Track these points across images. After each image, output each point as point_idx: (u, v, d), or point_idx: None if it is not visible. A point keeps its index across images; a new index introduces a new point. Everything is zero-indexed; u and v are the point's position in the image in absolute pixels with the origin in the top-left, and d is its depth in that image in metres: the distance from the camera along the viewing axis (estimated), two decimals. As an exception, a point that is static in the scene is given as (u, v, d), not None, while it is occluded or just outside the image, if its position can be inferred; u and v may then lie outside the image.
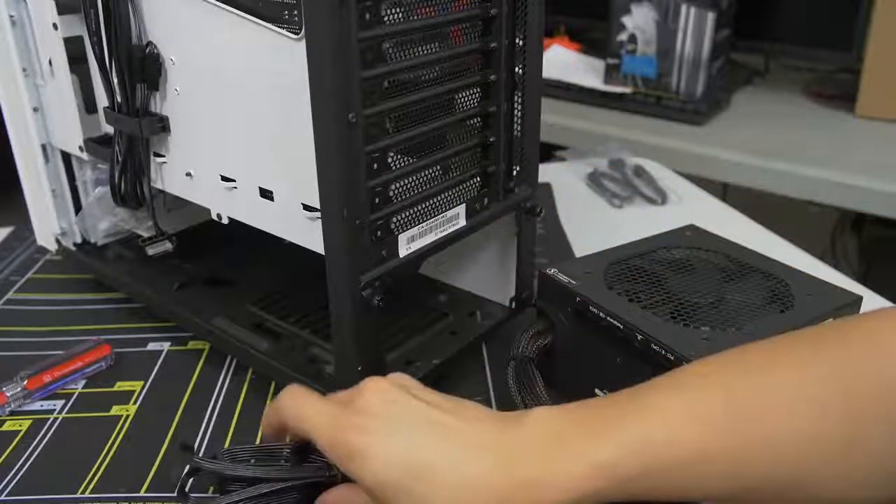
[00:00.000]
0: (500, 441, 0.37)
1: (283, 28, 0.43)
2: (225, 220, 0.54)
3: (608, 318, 0.49)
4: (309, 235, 0.47)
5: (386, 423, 0.38)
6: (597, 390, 0.52)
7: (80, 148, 0.62)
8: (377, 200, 0.46)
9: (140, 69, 0.53)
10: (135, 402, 0.57)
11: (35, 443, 0.53)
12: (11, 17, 0.61)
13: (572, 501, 0.35)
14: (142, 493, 0.48)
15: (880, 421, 0.35)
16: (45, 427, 0.55)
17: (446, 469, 0.36)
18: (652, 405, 0.37)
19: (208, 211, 0.55)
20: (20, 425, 0.55)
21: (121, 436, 0.54)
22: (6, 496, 0.48)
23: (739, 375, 0.37)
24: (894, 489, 0.36)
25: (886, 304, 0.68)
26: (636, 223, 0.53)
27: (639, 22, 1.31)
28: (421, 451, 0.37)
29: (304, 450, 0.45)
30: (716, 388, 0.37)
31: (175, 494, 0.46)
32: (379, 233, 0.46)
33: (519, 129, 0.54)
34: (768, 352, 0.39)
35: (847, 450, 0.35)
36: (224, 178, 0.52)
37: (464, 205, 0.52)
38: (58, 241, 0.71)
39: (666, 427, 0.35)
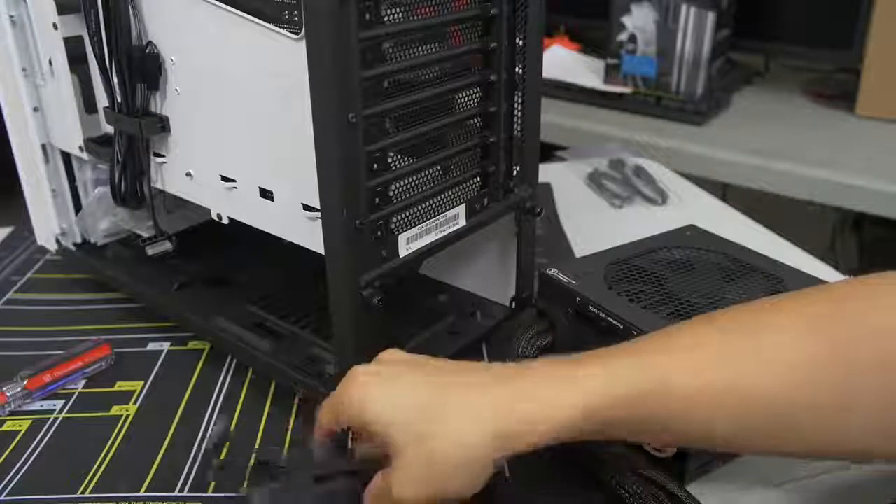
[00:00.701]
0: (502, 384, 0.40)
1: (283, 28, 0.43)
2: (225, 220, 0.54)
3: (608, 318, 0.49)
4: (309, 235, 0.47)
5: (394, 368, 0.41)
6: (597, 390, 0.52)
7: (80, 148, 0.62)
8: (377, 200, 0.46)
9: (140, 69, 0.53)
10: (135, 402, 0.57)
11: (35, 443, 0.53)
12: (11, 17, 0.61)
13: (559, 435, 0.38)
14: (141, 493, 0.48)
15: (874, 371, 0.36)
16: (45, 427, 0.55)
17: (452, 409, 0.38)
18: (645, 356, 0.39)
19: (208, 211, 0.55)
20: (20, 425, 0.55)
21: (121, 436, 0.53)
22: (6, 496, 0.48)
23: (734, 327, 0.40)
24: (890, 444, 0.37)
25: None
26: (636, 223, 0.53)
27: (639, 22, 1.31)
28: (429, 391, 0.39)
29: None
30: (710, 340, 0.40)
31: (180, 493, 0.46)
32: (379, 233, 0.46)
33: (519, 129, 0.54)
34: (762, 308, 0.41)
35: (841, 400, 0.37)
36: (224, 178, 0.52)
37: (464, 205, 0.52)
38: (58, 241, 0.71)
39: (657, 377, 0.38)
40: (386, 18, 0.43)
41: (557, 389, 0.38)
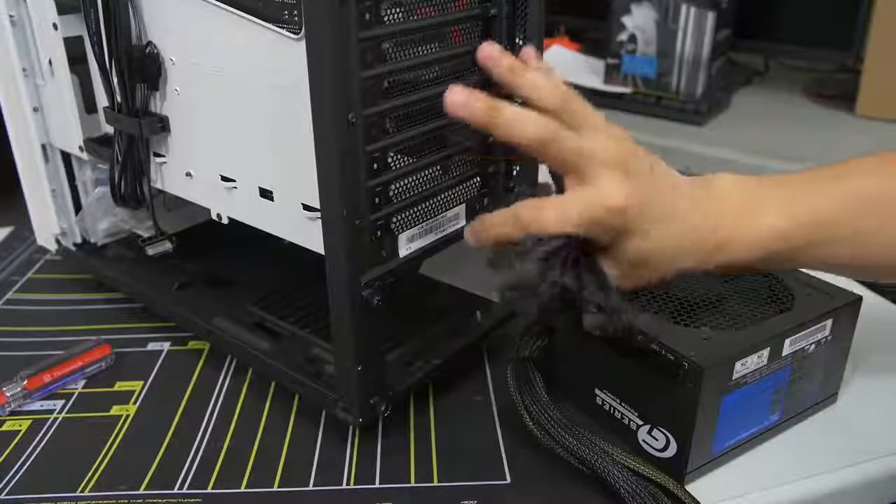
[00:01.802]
0: (710, 208, 0.46)
1: (283, 28, 0.43)
2: (225, 220, 0.54)
3: (608, 318, 0.49)
4: (309, 235, 0.47)
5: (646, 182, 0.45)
6: (597, 390, 0.52)
7: (80, 148, 0.62)
8: (377, 200, 0.46)
9: (140, 69, 0.53)
10: (135, 402, 0.57)
11: (35, 443, 0.53)
12: (11, 17, 0.61)
13: (752, 258, 0.46)
14: (141, 491, 0.48)
15: None
16: (45, 427, 0.55)
17: (681, 219, 0.45)
18: (820, 189, 0.48)
19: (208, 211, 0.55)
20: (20, 425, 0.55)
21: (121, 436, 0.54)
22: (6, 496, 0.48)
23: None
24: None
25: (886, 304, 0.68)
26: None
27: (639, 22, 1.31)
28: (668, 198, 0.45)
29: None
30: (875, 179, 0.48)
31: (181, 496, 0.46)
32: (379, 233, 0.46)
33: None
34: None
35: None
36: (224, 178, 0.52)
37: (464, 205, 0.52)
38: (58, 241, 0.71)
39: (831, 209, 0.46)
40: (386, 18, 0.43)
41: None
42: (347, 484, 0.49)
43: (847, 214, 0.47)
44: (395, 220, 0.47)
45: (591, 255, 0.45)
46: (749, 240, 0.46)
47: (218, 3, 0.46)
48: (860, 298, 0.52)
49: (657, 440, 0.48)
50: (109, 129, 0.58)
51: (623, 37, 1.34)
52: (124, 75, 0.53)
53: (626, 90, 1.36)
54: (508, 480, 0.49)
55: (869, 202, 0.47)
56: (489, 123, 0.42)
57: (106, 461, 0.51)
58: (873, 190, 0.48)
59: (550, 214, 0.43)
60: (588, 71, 1.44)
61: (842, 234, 0.47)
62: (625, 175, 0.43)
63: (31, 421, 0.55)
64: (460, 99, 0.42)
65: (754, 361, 0.46)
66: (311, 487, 0.49)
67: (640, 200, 0.43)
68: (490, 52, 0.44)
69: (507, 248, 0.45)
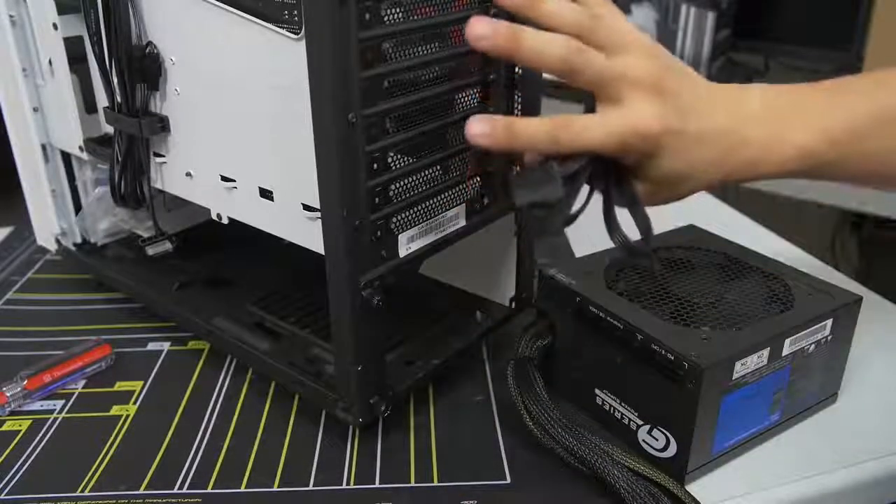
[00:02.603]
0: (742, 124, 0.47)
1: (283, 28, 0.43)
2: (225, 220, 0.54)
3: (608, 318, 0.49)
4: (309, 235, 0.47)
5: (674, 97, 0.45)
6: (597, 390, 0.52)
7: (80, 148, 0.62)
8: (377, 200, 0.46)
9: (140, 69, 0.53)
10: (135, 402, 0.57)
11: (35, 443, 0.53)
12: (11, 17, 0.61)
13: (779, 174, 0.47)
14: (141, 491, 0.48)
15: None
16: (45, 427, 0.55)
17: (714, 136, 0.45)
18: (849, 104, 0.48)
19: (208, 211, 0.55)
20: (20, 425, 0.55)
21: (121, 436, 0.54)
22: (6, 496, 0.48)
23: None
24: None
25: (886, 304, 0.68)
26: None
27: (639, 22, 1.31)
28: (704, 115, 0.45)
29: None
30: (890, 98, 0.48)
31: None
32: (379, 233, 0.46)
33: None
34: None
35: None
36: (224, 178, 0.52)
37: (464, 205, 0.52)
38: (58, 241, 0.71)
39: (861, 125, 0.47)
40: (386, 18, 0.43)
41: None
42: (347, 484, 0.49)
43: (878, 128, 0.47)
44: (394, 220, 0.47)
45: (620, 171, 0.46)
46: (777, 160, 0.47)
47: (218, 3, 0.46)
48: (860, 298, 0.52)
49: (657, 440, 0.48)
50: (109, 129, 0.58)
51: (623, 37, 1.34)
52: (124, 75, 0.53)
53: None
54: (508, 480, 0.49)
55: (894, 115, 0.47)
56: (512, 51, 0.41)
57: (106, 461, 0.51)
58: None
59: (584, 132, 0.43)
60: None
61: (871, 149, 0.47)
62: (657, 95, 0.43)
63: (31, 421, 0.55)
64: (482, 30, 0.40)
65: (754, 361, 0.46)
66: (311, 487, 0.49)
67: (672, 123, 0.44)
68: None
69: (529, 167, 0.45)
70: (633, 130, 0.43)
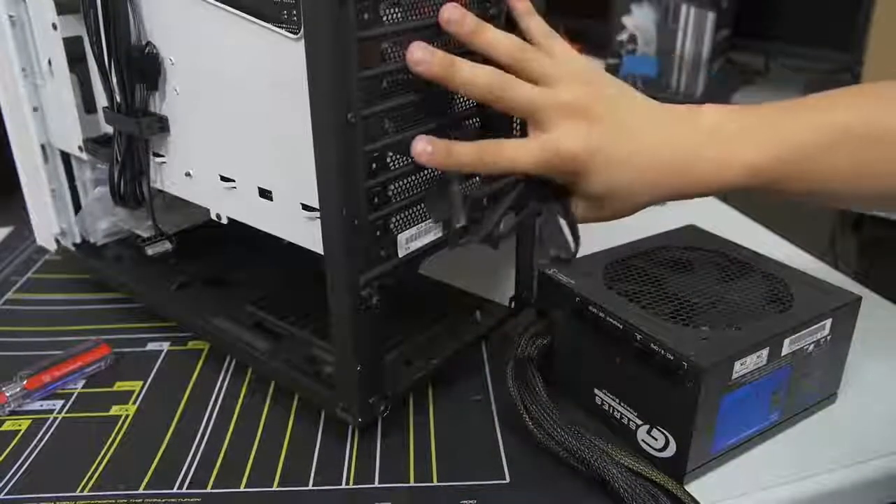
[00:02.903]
0: (688, 143, 0.48)
1: (282, 28, 0.43)
2: (224, 220, 0.54)
3: (608, 318, 0.49)
4: (308, 235, 0.47)
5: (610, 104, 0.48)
6: (596, 390, 0.52)
7: (80, 148, 0.62)
8: (376, 200, 0.46)
9: (139, 69, 0.53)
10: (134, 402, 0.57)
11: (35, 443, 0.53)
12: (11, 17, 0.61)
13: (728, 190, 0.49)
14: (141, 491, 0.48)
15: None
16: (45, 427, 0.55)
17: (651, 155, 0.48)
18: (802, 123, 0.48)
19: (208, 211, 0.55)
20: (20, 425, 0.55)
21: (120, 436, 0.54)
22: (6, 496, 0.48)
23: (867, 107, 0.49)
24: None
25: (886, 304, 0.68)
26: (636, 223, 0.53)
27: (639, 22, 1.32)
28: (637, 135, 0.48)
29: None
30: (852, 112, 0.48)
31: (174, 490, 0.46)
32: (378, 233, 0.46)
33: (518, 129, 0.54)
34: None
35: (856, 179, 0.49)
36: (223, 178, 0.52)
37: (463, 205, 0.52)
38: (57, 241, 0.71)
39: (811, 142, 0.47)
40: (385, 18, 0.43)
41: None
42: (347, 484, 0.49)
43: (823, 149, 0.48)
44: (394, 219, 0.47)
45: (558, 190, 0.49)
46: (726, 178, 0.48)
47: (217, 3, 0.46)
48: (860, 298, 0.52)
49: (657, 440, 0.48)
50: (109, 129, 0.58)
51: (623, 37, 1.34)
52: (123, 75, 0.53)
53: (626, 90, 1.36)
54: (507, 480, 0.49)
55: (845, 135, 0.48)
56: (447, 78, 0.45)
57: (106, 461, 0.51)
58: (853, 122, 0.48)
59: (509, 154, 0.47)
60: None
61: (817, 168, 0.48)
62: (582, 119, 0.46)
63: (30, 421, 0.55)
64: (419, 56, 0.44)
65: (754, 361, 0.46)
66: (310, 487, 0.49)
67: (596, 145, 0.46)
68: (450, 16, 0.45)
69: (450, 186, 0.48)
70: (555, 153, 0.46)
